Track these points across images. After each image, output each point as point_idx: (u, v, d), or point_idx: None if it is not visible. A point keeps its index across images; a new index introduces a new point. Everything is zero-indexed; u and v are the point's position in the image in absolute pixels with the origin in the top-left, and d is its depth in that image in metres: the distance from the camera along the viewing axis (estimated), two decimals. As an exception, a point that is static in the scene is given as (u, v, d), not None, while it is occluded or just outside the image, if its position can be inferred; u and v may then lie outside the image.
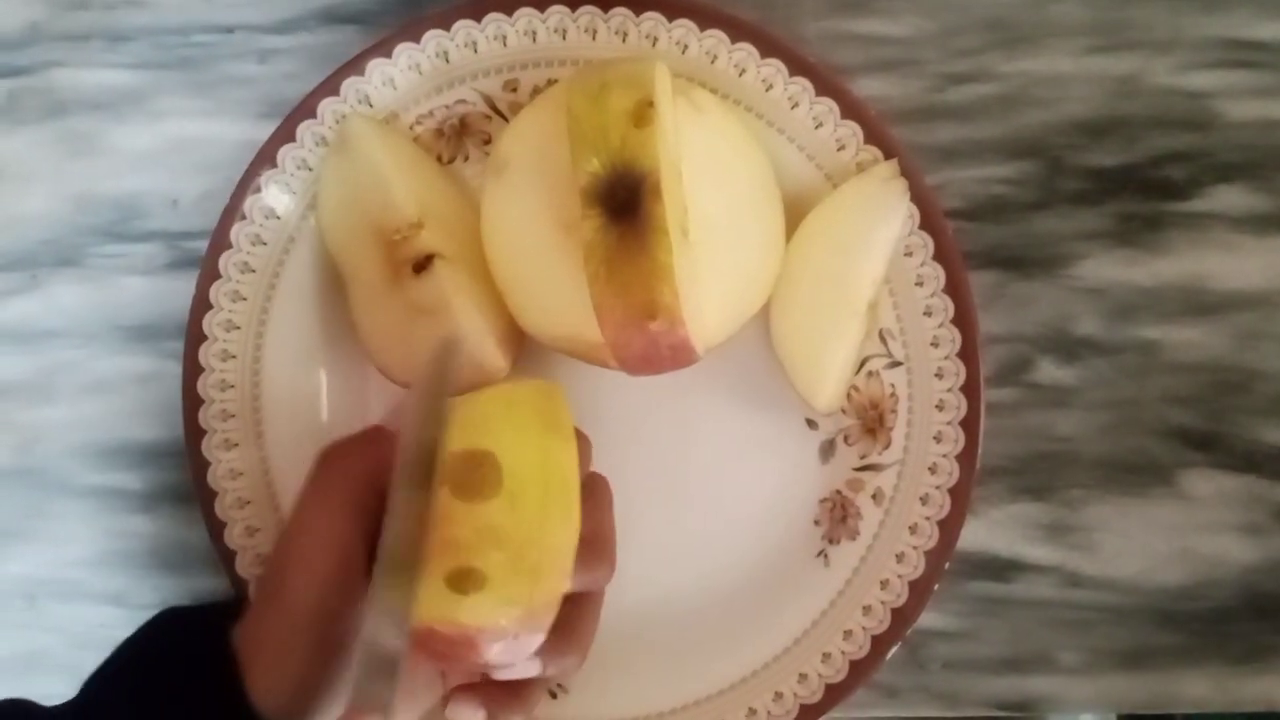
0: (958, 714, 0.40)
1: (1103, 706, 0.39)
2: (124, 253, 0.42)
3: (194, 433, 0.38)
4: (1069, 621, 0.39)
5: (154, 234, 0.42)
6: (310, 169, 0.38)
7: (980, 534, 0.39)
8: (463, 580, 0.29)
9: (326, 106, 0.38)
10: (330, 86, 0.38)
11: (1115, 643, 0.39)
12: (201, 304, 0.38)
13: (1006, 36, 0.40)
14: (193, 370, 0.38)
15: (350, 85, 0.38)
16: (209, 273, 0.38)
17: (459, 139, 0.39)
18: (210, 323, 0.38)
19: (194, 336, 0.38)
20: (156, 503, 0.42)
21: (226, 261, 0.38)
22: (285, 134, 0.38)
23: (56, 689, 0.42)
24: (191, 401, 0.38)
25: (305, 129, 0.38)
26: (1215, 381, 0.39)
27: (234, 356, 0.39)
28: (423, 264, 0.36)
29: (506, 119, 0.39)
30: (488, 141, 0.39)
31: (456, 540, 0.29)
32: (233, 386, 0.39)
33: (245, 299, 0.39)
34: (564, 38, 0.38)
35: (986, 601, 0.39)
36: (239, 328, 0.39)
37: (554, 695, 0.38)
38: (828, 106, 0.37)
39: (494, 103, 0.39)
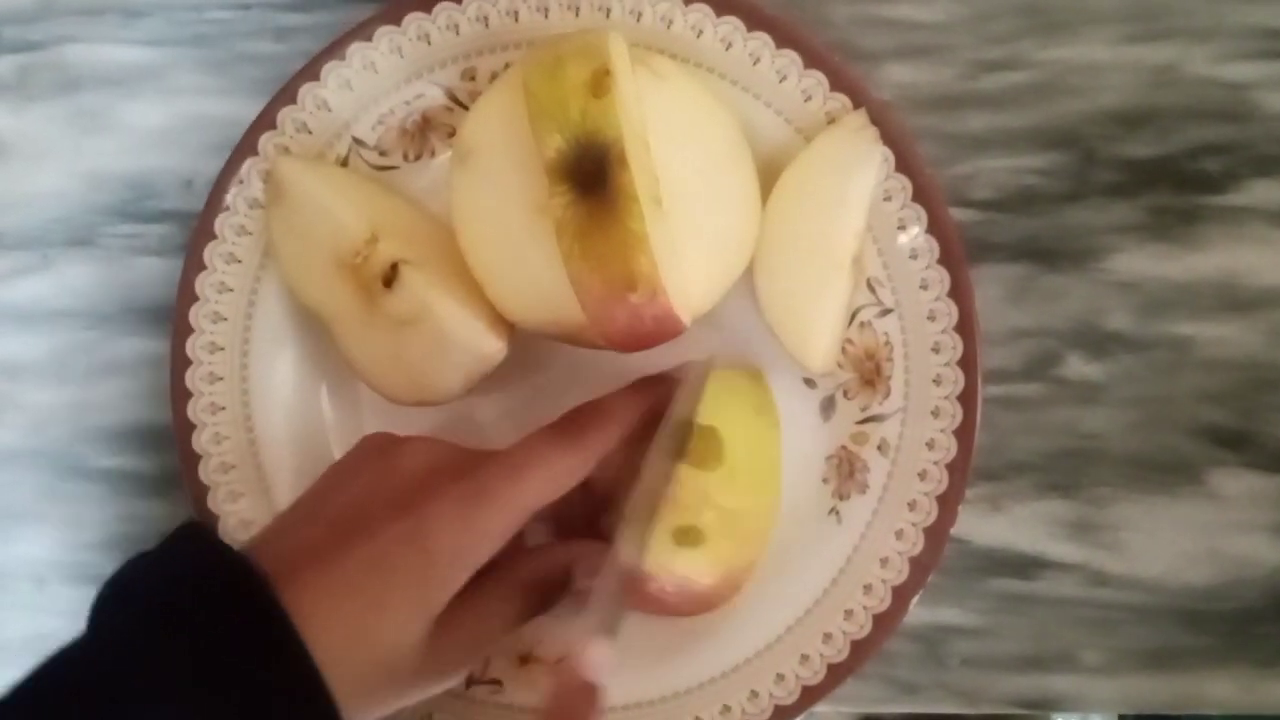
0: (977, 711, 0.39)
1: (1125, 706, 0.39)
2: (137, 233, 0.42)
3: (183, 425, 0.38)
4: (1092, 620, 0.39)
5: (167, 214, 0.42)
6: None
7: (1004, 530, 0.39)
8: (686, 536, 0.34)
9: (286, 115, 0.38)
10: (289, 94, 0.38)
11: (1139, 642, 0.38)
12: (187, 296, 0.38)
13: (1041, 23, 0.39)
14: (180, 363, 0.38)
15: (308, 91, 0.38)
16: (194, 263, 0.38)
17: (423, 135, 0.39)
18: (197, 314, 0.38)
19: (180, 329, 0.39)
20: (168, 486, 0.41)
21: (212, 252, 0.38)
22: (248, 148, 0.38)
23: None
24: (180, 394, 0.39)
25: (267, 140, 0.38)
26: (1247, 379, 0.38)
27: (221, 349, 0.39)
28: (390, 275, 0.35)
29: (467, 109, 0.38)
30: (452, 134, 0.38)
31: (683, 501, 0.34)
32: (221, 379, 0.39)
33: (231, 290, 0.39)
34: (516, 19, 0.38)
35: (1009, 599, 0.39)
36: (225, 318, 0.38)
37: None
38: (790, 59, 0.37)
39: (454, 94, 0.38)
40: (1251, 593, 0.38)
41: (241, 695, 0.26)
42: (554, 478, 0.32)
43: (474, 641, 0.33)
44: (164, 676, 0.26)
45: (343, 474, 0.33)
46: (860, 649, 0.36)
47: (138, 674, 0.26)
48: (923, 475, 0.36)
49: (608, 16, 0.37)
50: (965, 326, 0.36)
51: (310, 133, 0.38)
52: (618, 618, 0.32)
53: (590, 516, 0.36)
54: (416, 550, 0.30)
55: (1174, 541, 0.38)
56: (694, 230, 0.33)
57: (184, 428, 0.38)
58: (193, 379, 0.38)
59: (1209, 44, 0.39)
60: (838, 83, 0.36)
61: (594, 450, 0.33)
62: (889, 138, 0.36)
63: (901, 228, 0.36)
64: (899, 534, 0.36)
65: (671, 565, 0.34)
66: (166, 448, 0.40)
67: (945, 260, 0.36)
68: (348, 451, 0.35)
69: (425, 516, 0.30)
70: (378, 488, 0.31)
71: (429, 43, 0.38)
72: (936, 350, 0.36)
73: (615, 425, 0.34)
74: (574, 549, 0.35)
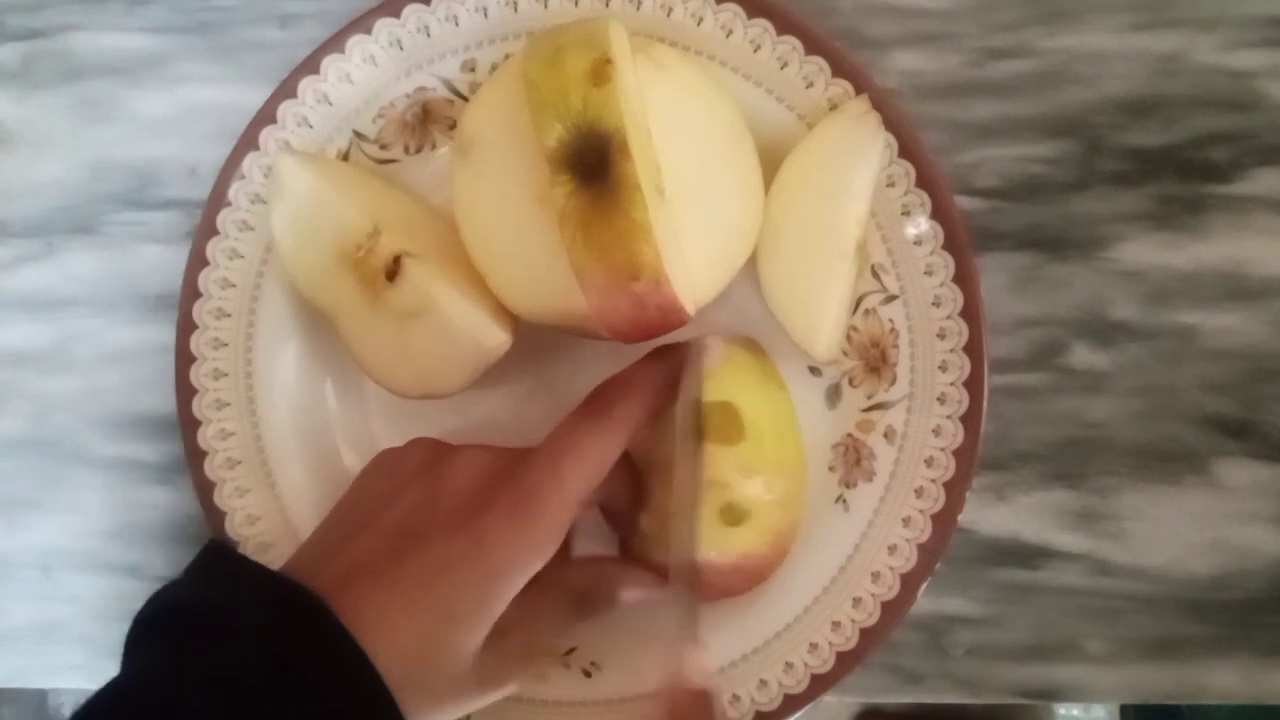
0: (981, 701, 0.39)
1: (1128, 696, 0.39)
2: (141, 221, 0.42)
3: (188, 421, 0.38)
4: (1096, 610, 0.39)
5: (172, 202, 0.42)
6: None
7: (1008, 520, 0.39)
8: (732, 515, 0.34)
9: (287, 109, 0.38)
10: (289, 88, 0.38)
11: (1143, 632, 0.38)
12: (192, 292, 0.38)
13: (1047, 11, 0.39)
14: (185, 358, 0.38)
15: (308, 85, 0.38)
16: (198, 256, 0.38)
17: (423, 127, 0.39)
18: (200, 310, 0.38)
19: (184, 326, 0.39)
20: (173, 474, 0.41)
21: (214, 248, 0.38)
22: (249, 142, 0.38)
23: (71, 659, 0.42)
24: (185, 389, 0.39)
25: (268, 134, 0.38)
26: (1252, 369, 0.38)
27: (225, 345, 0.38)
28: (393, 269, 0.35)
29: (467, 100, 0.38)
30: (452, 126, 0.39)
31: (719, 481, 0.34)
32: (226, 375, 0.38)
33: (234, 285, 0.39)
34: (515, 10, 0.37)
35: (1013, 588, 0.39)
36: (229, 315, 0.38)
37: (588, 674, 0.37)
38: (791, 45, 0.36)
39: (454, 86, 0.38)
40: (1255, 583, 0.38)
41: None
42: (593, 461, 0.32)
43: (525, 649, 0.33)
44: (229, 703, 0.26)
45: (388, 486, 0.33)
46: (869, 637, 0.36)
47: (208, 705, 0.25)
48: (930, 462, 0.36)
49: (607, 5, 0.37)
50: (970, 311, 0.36)
51: (311, 127, 0.38)
52: (696, 617, 0.33)
53: (634, 491, 0.36)
54: (475, 565, 0.30)
55: (1178, 531, 0.38)
56: (697, 219, 0.33)
57: (189, 424, 0.38)
58: (197, 375, 0.38)
59: (1215, 33, 0.38)
60: (839, 69, 0.36)
61: (625, 425, 0.33)
62: (891, 123, 0.36)
63: (905, 213, 0.36)
64: (906, 521, 0.36)
65: (725, 547, 0.34)
66: (171, 435, 0.40)
67: (950, 245, 0.36)
68: (380, 461, 0.35)
69: (480, 532, 0.30)
70: (429, 502, 0.31)
71: (428, 35, 0.38)
72: (942, 336, 0.36)
73: (641, 395, 0.34)
74: (622, 573, 0.36)
